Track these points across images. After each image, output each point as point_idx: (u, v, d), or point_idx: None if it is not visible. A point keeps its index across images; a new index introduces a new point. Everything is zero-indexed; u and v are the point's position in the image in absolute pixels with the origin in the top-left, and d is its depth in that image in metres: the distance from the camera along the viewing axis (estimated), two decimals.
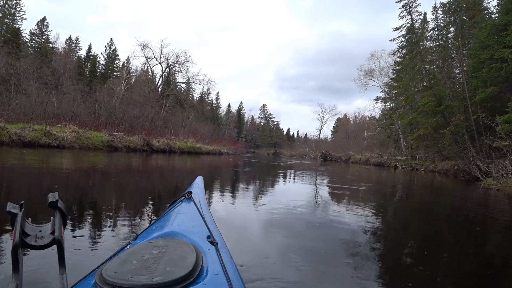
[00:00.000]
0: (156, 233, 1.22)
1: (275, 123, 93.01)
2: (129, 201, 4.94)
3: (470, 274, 2.79)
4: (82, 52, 50.95)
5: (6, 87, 24.62)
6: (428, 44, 20.71)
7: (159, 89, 41.92)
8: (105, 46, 52.54)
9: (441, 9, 19.99)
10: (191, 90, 50.44)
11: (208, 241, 1.18)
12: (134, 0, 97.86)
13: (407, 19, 20.24)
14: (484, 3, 20.40)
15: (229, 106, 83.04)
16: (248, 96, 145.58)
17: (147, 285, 0.78)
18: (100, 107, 26.50)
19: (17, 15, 42.97)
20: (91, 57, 50.74)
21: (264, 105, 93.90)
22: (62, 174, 7.22)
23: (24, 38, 42.62)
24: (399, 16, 20.48)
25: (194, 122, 41.25)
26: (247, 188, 7.87)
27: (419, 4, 20.11)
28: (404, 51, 27.40)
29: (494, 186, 10.34)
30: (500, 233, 4.63)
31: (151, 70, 43.33)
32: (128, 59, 45.46)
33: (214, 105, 76.46)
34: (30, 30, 44.14)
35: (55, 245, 0.73)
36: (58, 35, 53.93)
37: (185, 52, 41.83)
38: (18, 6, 42.91)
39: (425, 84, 20.11)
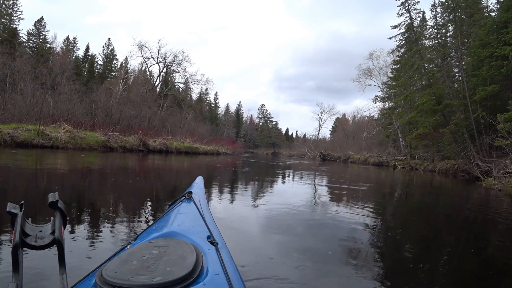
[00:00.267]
0: (156, 233, 1.22)
1: (274, 123, 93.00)
2: (129, 201, 4.93)
3: (470, 275, 2.77)
4: (80, 52, 50.79)
5: (1, 87, 24.38)
6: (427, 42, 20.54)
7: (157, 89, 41.71)
8: (103, 46, 52.38)
9: (440, 7, 19.85)
10: (189, 90, 50.26)
11: (208, 241, 1.18)
12: (131, 0, 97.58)
13: (406, 17, 20.11)
14: (483, 2, 20.30)
15: (227, 106, 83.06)
16: (246, 96, 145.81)
17: (147, 285, 0.78)
18: (97, 107, 26.27)
19: (14, 15, 42.67)
20: (89, 57, 50.55)
21: (262, 105, 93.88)
22: (53, 175, 7.04)
23: (22, 38, 42.43)
24: (397, 14, 20.35)
25: (192, 122, 41.04)
26: (247, 188, 7.84)
27: (417, 2, 19.99)
28: (402, 50, 27.28)
29: (496, 186, 10.14)
30: (501, 234, 4.52)
31: (148, 70, 43.13)
32: (126, 59, 45.33)
33: (212, 105, 76.36)
34: (28, 30, 43.98)
35: (55, 245, 0.73)
36: (56, 35, 53.91)
37: (183, 52, 42.01)
38: (15, 6, 42.67)
39: (423, 82, 19.94)
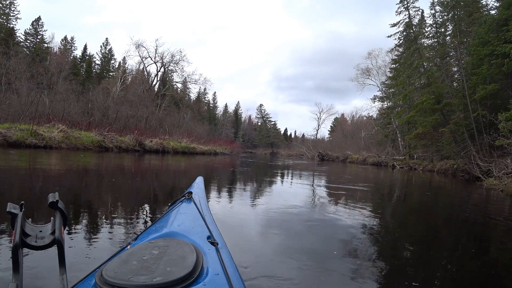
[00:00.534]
0: (156, 233, 1.21)
1: (272, 123, 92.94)
2: (128, 201, 4.91)
3: (470, 276, 2.73)
4: (78, 52, 50.58)
5: None
6: (426, 41, 20.40)
7: (155, 89, 41.47)
8: (101, 46, 52.22)
9: (439, 6, 19.68)
10: (187, 90, 50.02)
11: (208, 241, 1.18)
12: (130, 0, 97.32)
13: (405, 15, 19.89)
14: (483, 1, 20.15)
15: (226, 106, 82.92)
16: (245, 96, 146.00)
17: (147, 285, 0.77)
18: (94, 107, 26.04)
19: (11, 14, 42.54)
20: (87, 57, 50.37)
21: (261, 105, 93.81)
22: (47, 175, 6.84)
23: (19, 38, 42.25)
24: (396, 11, 20.13)
25: (190, 122, 40.84)
26: (246, 188, 7.83)
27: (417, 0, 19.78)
28: (401, 49, 27.13)
29: (497, 186, 9.94)
30: (502, 235, 4.42)
31: (146, 69, 42.87)
32: (124, 59, 45.04)
33: (211, 105, 76.23)
34: (25, 30, 43.89)
35: (56, 246, 0.73)
36: (53, 35, 53.37)
37: (180, 51, 41.59)
38: (12, 5, 42.51)
39: (422, 81, 19.77)
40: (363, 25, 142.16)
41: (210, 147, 31.03)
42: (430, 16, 20.35)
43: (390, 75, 33.70)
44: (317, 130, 72.27)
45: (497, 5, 17.60)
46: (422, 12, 21.33)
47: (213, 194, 5.95)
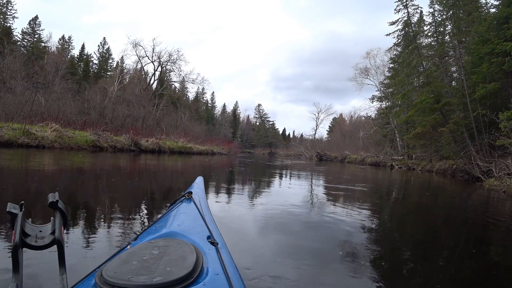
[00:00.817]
0: (156, 233, 1.21)
1: (271, 123, 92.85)
2: (128, 201, 4.89)
3: (470, 278, 2.70)
4: (75, 51, 50.46)
5: None
6: (425, 40, 20.22)
7: (153, 88, 41.20)
8: (98, 45, 52.06)
9: (438, 4, 19.48)
10: (186, 90, 49.78)
11: (208, 241, 1.18)
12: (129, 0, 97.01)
13: (404, 13, 19.70)
14: (482, 0, 19.99)
15: (224, 106, 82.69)
16: (244, 96, 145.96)
17: (147, 285, 0.77)
18: (90, 106, 25.77)
19: (8, 13, 42.47)
20: (84, 57, 50.15)
21: (259, 105, 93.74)
22: (40, 175, 6.62)
23: (16, 37, 42.11)
24: (395, 9, 19.91)
25: (187, 122, 40.59)
26: (246, 188, 7.81)
27: None
28: (400, 49, 26.97)
29: (499, 187, 9.72)
30: (504, 236, 4.35)
31: (143, 68, 42.58)
32: (122, 58, 44.74)
33: (209, 105, 76.06)
34: (22, 29, 43.79)
35: (55, 245, 0.73)
36: (51, 34, 53.20)
37: (178, 51, 41.20)
38: (9, 4, 42.39)
39: (421, 80, 19.60)
40: (362, 25, 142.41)
41: (207, 147, 30.79)
42: (429, 15, 20.17)
43: (389, 74, 33.54)
44: (316, 130, 72.18)
45: (497, 3, 17.48)
46: (421, 12, 21.22)
47: (213, 194, 5.92)
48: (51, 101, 22.98)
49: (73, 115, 22.43)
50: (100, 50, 51.63)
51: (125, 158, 14.52)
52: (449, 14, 18.79)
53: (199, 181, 2.37)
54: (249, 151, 69.66)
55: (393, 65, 32.44)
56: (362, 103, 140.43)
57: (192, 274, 0.84)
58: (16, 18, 43.04)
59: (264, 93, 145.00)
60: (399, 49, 27.43)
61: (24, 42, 43.90)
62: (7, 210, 0.71)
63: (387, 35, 22.23)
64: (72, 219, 3.23)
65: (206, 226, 1.33)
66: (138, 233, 1.34)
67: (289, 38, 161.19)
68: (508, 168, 10.91)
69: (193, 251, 0.96)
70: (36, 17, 45.15)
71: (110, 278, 0.79)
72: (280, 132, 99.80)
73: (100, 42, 52.17)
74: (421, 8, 20.33)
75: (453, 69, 20.62)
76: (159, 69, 41.23)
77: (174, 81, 44.46)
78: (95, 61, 51.68)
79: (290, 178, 11.76)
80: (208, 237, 1.22)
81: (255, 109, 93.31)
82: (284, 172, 14.93)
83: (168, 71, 42.48)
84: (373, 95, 37.87)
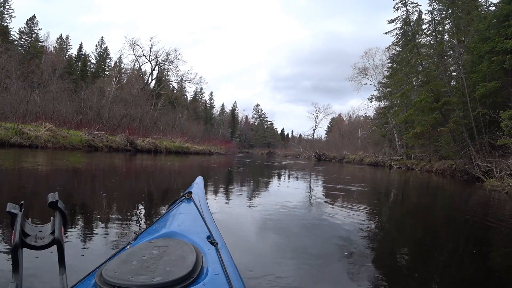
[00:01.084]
0: (156, 233, 1.21)
1: (269, 123, 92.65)
2: (128, 201, 4.86)
3: (470, 279, 2.68)
4: (73, 51, 50.22)
5: None
6: (424, 38, 20.04)
7: (151, 87, 40.95)
8: (96, 45, 51.91)
9: (437, 2, 19.32)
10: (184, 89, 49.54)
11: (208, 241, 1.18)
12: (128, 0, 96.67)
13: (403, 11, 19.49)
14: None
15: (222, 106, 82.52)
16: (242, 96, 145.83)
17: (147, 285, 0.77)
18: (86, 106, 25.52)
19: (6, 13, 42.29)
20: (82, 56, 49.94)
21: (257, 105, 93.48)
22: (31, 175, 6.49)
23: (13, 37, 41.93)
24: (394, 7, 19.67)
25: (185, 122, 40.36)
26: (245, 188, 7.85)
27: None
28: (398, 48, 26.81)
29: (501, 187, 9.51)
30: (505, 238, 4.27)
31: (140, 68, 42.32)
32: (120, 58, 44.52)
33: (207, 105, 75.88)
34: (20, 29, 43.70)
35: (55, 245, 0.73)
36: (48, 34, 53.14)
37: (175, 50, 40.97)
38: (6, 3, 42.14)
39: (420, 79, 19.42)
40: (361, 25, 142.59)
41: (205, 147, 30.56)
42: (428, 13, 20.01)
43: (387, 74, 33.39)
44: (314, 130, 72.08)
45: (496, 1, 17.31)
46: (420, 11, 21.06)
47: (212, 194, 5.93)
48: (46, 101, 22.71)
49: (69, 115, 22.17)
50: (98, 50, 51.47)
51: (121, 158, 14.32)
52: (448, 12, 18.61)
53: (199, 181, 2.34)
54: (248, 151, 69.52)
55: (391, 65, 32.30)
56: (360, 103, 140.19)
57: (192, 274, 0.84)
58: (13, 17, 42.90)
59: (263, 93, 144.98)
60: (398, 48, 27.29)
61: (21, 42, 43.82)
62: (7, 210, 0.71)
63: (385, 33, 22.04)
64: (72, 219, 3.23)
65: (206, 226, 1.33)
66: (137, 233, 1.35)
67: (288, 38, 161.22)
68: (510, 168, 10.72)
69: (193, 251, 0.96)
70: (34, 17, 45.18)
71: (110, 278, 0.79)
72: (279, 132, 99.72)
73: (98, 42, 52.09)
74: (420, 6, 20.21)
75: (452, 68, 20.45)
76: (157, 68, 41.05)
77: (172, 81, 44.28)
78: (93, 61, 51.54)
79: (288, 178, 11.71)
80: (208, 237, 1.22)
81: (253, 109, 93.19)
82: (282, 172, 14.87)
83: (165, 70, 42.32)
84: (371, 95, 37.73)
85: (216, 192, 6.39)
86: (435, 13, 19.54)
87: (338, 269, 2.52)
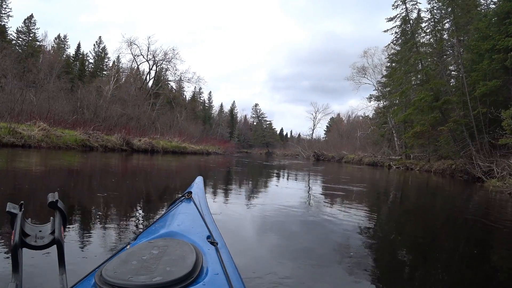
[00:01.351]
0: (156, 233, 1.21)
1: (268, 122, 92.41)
2: (128, 201, 4.85)
3: (470, 280, 2.63)
4: (71, 51, 49.97)
5: None
6: (424, 38, 19.87)
7: (150, 87, 40.72)
8: (94, 45, 51.66)
9: (436, 1, 19.15)
10: (182, 89, 49.34)
11: (208, 241, 1.18)
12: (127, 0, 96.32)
13: (402, 9, 19.28)
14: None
15: (221, 106, 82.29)
16: (241, 96, 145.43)
17: (147, 285, 0.77)
18: (83, 106, 25.28)
19: (3, 12, 42.05)
20: (80, 56, 49.71)
21: (256, 105, 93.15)
22: (23, 175, 6.29)
23: (11, 36, 41.71)
24: (393, 5, 19.44)
25: (184, 121, 40.13)
26: (245, 188, 7.83)
27: None
28: (398, 48, 26.65)
29: (504, 188, 9.28)
30: (506, 240, 4.20)
31: (138, 67, 42.09)
32: (118, 57, 44.28)
33: (206, 104, 75.65)
34: (17, 28, 43.48)
35: (55, 245, 0.73)
36: (46, 33, 52.68)
37: (173, 49, 40.65)
38: (4, 3, 41.89)
39: (419, 77, 19.23)
40: (360, 25, 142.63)
41: (202, 147, 30.33)
42: (427, 11, 19.83)
43: (386, 73, 33.22)
44: (313, 130, 71.90)
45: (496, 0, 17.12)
46: (419, 10, 20.88)
47: (212, 194, 5.93)
48: (42, 100, 22.48)
49: (65, 114, 21.93)
50: (95, 49, 51.25)
51: (116, 158, 14.13)
52: (448, 11, 18.43)
53: (199, 181, 2.30)
54: (246, 151, 69.31)
55: (390, 64, 32.14)
56: (359, 103, 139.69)
57: (192, 274, 0.84)
58: (11, 16, 42.59)
59: (262, 93, 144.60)
60: (397, 48, 27.11)
61: (19, 41, 43.58)
62: (7, 210, 0.70)
63: (384, 31, 21.82)
64: (72, 219, 3.21)
65: (206, 226, 1.33)
66: (137, 233, 1.34)
67: (287, 38, 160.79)
68: (510, 168, 10.52)
69: (193, 251, 0.95)
70: (31, 16, 44.96)
71: (110, 278, 0.79)
72: (278, 132, 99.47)
73: (96, 41, 51.82)
74: (420, 3, 20.01)
75: (452, 67, 20.29)
76: (154, 68, 40.83)
77: (169, 80, 44.03)
78: (91, 60, 51.28)
79: (287, 179, 11.64)
80: (208, 237, 1.22)
81: (252, 108, 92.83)
82: (281, 172, 14.82)
83: (163, 70, 42.09)
84: (370, 94, 37.57)
85: (215, 192, 6.37)
86: (435, 10, 19.35)
87: (338, 269, 2.51)
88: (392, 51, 30.09)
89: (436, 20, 19.42)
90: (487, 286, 2.51)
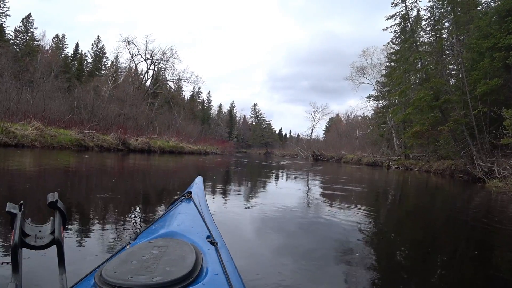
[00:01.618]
0: (155, 233, 1.21)
1: (267, 122, 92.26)
2: (127, 201, 4.82)
3: (470, 281, 2.62)
4: (69, 50, 49.79)
5: None
6: (424, 37, 19.71)
7: (148, 86, 40.49)
8: (92, 44, 51.46)
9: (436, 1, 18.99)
10: (181, 89, 49.10)
11: (208, 241, 1.18)
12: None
13: (401, 7, 19.05)
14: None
15: (220, 105, 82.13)
16: (240, 96, 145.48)
17: (146, 285, 0.77)
18: (80, 105, 25.05)
19: (1, 11, 41.72)
20: (78, 55, 49.49)
21: (255, 104, 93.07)
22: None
23: (8, 35, 41.51)
24: (392, 3, 19.17)
25: (182, 121, 39.91)
26: (245, 189, 7.83)
27: None
28: (397, 47, 26.47)
29: (508, 190, 9.05)
30: (509, 241, 4.12)
31: (136, 67, 41.85)
32: (116, 57, 44.03)
33: (205, 104, 75.47)
34: (15, 27, 43.29)
35: (55, 245, 0.73)
36: (44, 33, 52.37)
37: (171, 49, 40.38)
38: (1, 2, 41.61)
39: (419, 76, 19.04)
40: (359, 25, 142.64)
41: (200, 147, 30.10)
42: (427, 9, 19.64)
43: (385, 73, 33.06)
44: (312, 130, 71.70)
45: None
46: (418, 10, 20.69)
47: (211, 194, 5.92)
48: (37, 99, 22.25)
49: (61, 114, 21.71)
50: (94, 49, 51.02)
51: (112, 158, 13.93)
52: (447, 9, 18.25)
53: (199, 181, 2.29)
54: (245, 151, 69.14)
55: (389, 64, 31.97)
56: (358, 103, 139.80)
57: (191, 274, 0.84)
58: (9, 16, 42.39)
59: (261, 93, 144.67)
60: (396, 47, 26.94)
61: (17, 40, 43.39)
62: (7, 210, 0.70)
63: (384, 29, 21.59)
64: (71, 219, 3.20)
65: (205, 226, 1.33)
66: (137, 233, 1.33)
67: (286, 38, 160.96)
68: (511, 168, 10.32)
69: (193, 251, 0.95)
70: (29, 15, 44.82)
71: (110, 278, 0.79)
72: (277, 132, 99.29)
73: (94, 41, 51.60)
74: (420, 1, 19.82)
75: (451, 67, 20.12)
76: (152, 67, 40.58)
77: (167, 80, 43.79)
78: (89, 60, 51.06)
79: (286, 179, 11.58)
80: (208, 237, 1.22)
81: (251, 108, 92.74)
82: (280, 172, 14.74)
83: (161, 69, 41.86)
84: (369, 94, 37.45)
85: (215, 192, 6.35)
86: (434, 8, 19.17)
87: (337, 269, 2.51)
88: (392, 50, 29.93)
89: (436, 19, 19.21)
90: (488, 286, 2.48)
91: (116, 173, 8.90)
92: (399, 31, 21.54)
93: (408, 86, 20.11)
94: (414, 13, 20.09)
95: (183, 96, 53.44)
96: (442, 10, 19.02)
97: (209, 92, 77.43)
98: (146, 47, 39.18)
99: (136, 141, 20.50)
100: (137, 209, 4.32)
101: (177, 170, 11.89)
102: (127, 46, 38.85)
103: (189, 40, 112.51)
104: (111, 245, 2.55)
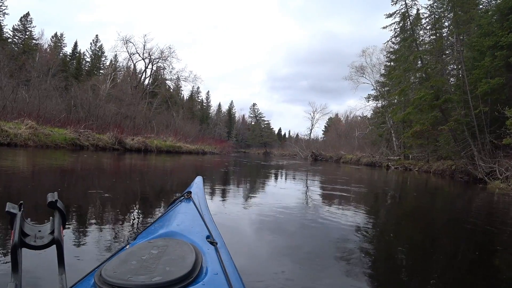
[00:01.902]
0: (155, 233, 1.21)
1: (266, 122, 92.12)
2: (127, 201, 4.83)
3: (470, 282, 2.60)
4: (68, 49, 49.61)
5: None
6: (424, 35, 19.49)
7: (146, 85, 40.25)
8: (91, 43, 51.33)
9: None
10: (180, 88, 48.89)
11: (208, 241, 1.18)
12: None
13: (401, 5, 18.84)
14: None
15: (219, 105, 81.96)
16: (239, 96, 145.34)
17: (146, 285, 0.77)
18: (77, 104, 24.81)
19: None
20: (77, 54, 49.30)
21: (254, 104, 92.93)
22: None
23: (6, 34, 41.32)
24: (392, 1, 19.01)
25: (181, 121, 39.67)
26: (245, 189, 7.80)
27: None
28: (396, 47, 26.26)
29: (509, 191, 8.84)
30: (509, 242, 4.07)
31: (134, 66, 41.58)
32: (115, 56, 43.77)
33: (204, 104, 75.32)
34: (13, 26, 43.07)
35: (55, 245, 0.73)
36: (43, 32, 52.52)
37: (169, 48, 40.05)
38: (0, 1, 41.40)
39: (418, 75, 18.83)
40: (359, 25, 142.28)
41: (198, 146, 29.86)
42: (427, 7, 19.45)
43: (385, 73, 32.88)
44: (311, 130, 71.55)
45: None
46: (418, 9, 20.48)
47: (210, 194, 5.92)
48: (33, 98, 22.01)
49: (58, 112, 21.47)
50: (92, 48, 50.83)
51: (107, 157, 13.72)
52: (448, 9, 18.04)
53: (198, 181, 2.27)
54: (244, 150, 68.96)
55: (389, 63, 31.80)
56: (358, 103, 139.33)
57: (191, 273, 0.84)
58: (7, 14, 42.20)
59: (260, 93, 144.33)
60: (396, 46, 26.74)
61: (15, 39, 43.22)
62: (6, 210, 0.70)
63: (383, 27, 21.36)
64: (71, 219, 3.20)
65: (205, 226, 1.32)
66: (137, 233, 1.35)
67: (285, 38, 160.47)
68: None
69: (192, 250, 0.95)
70: (28, 14, 44.69)
71: (109, 277, 0.79)
72: (276, 132, 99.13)
73: (93, 40, 51.48)
74: (418, 8, 19.75)
75: (451, 67, 19.92)
76: (150, 66, 40.34)
77: (166, 79, 43.54)
78: (88, 59, 50.89)
79: (285, 179, 11.54)
80: (208, 237, 1.22)
81: (250, 108, 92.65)
82: (279, 172, 14.66)
83: (160, 68, 41.62)
84: (369, 94, 37.28)
85: (215, 193, 6.34)
86: (434, 7, 18.97)
87: (337, 269, 2.51)
88: (391, 50, 29.72)
89: (436, 17, 19.01)
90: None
91: (112, 172, 8.83)
92: (398, 29, 21.37)
93: (408, 85, 19.90)
94: (414, 11, 19.92)
95: (182, 96, 53.30)
96: (442, 9, 18.81)
97: (208, 91, 77.34)
98: (144, 46, 38.96)
99: (133, 141, 20.25)
100: (136, 209, 4.33)
101: (174, 170, 11.78)
102: (125, 45, 38.56)
103: (189, 40, 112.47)
104: (111, 245, 2.56)
